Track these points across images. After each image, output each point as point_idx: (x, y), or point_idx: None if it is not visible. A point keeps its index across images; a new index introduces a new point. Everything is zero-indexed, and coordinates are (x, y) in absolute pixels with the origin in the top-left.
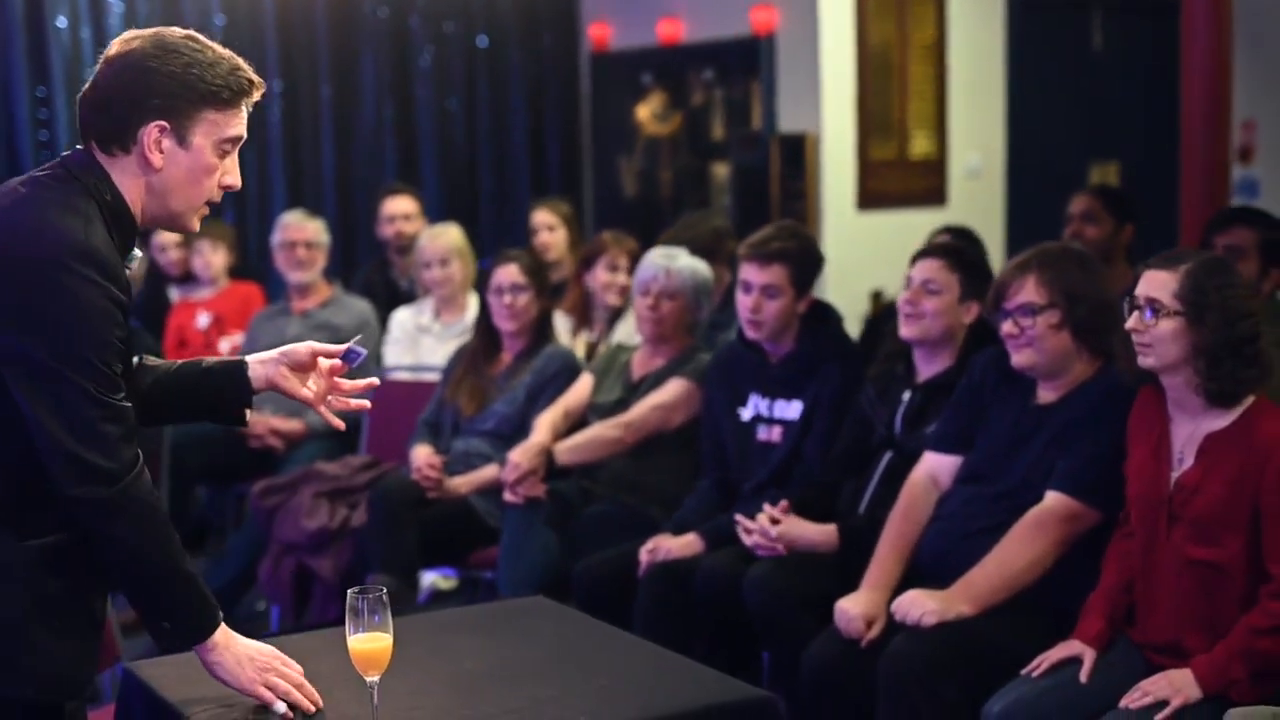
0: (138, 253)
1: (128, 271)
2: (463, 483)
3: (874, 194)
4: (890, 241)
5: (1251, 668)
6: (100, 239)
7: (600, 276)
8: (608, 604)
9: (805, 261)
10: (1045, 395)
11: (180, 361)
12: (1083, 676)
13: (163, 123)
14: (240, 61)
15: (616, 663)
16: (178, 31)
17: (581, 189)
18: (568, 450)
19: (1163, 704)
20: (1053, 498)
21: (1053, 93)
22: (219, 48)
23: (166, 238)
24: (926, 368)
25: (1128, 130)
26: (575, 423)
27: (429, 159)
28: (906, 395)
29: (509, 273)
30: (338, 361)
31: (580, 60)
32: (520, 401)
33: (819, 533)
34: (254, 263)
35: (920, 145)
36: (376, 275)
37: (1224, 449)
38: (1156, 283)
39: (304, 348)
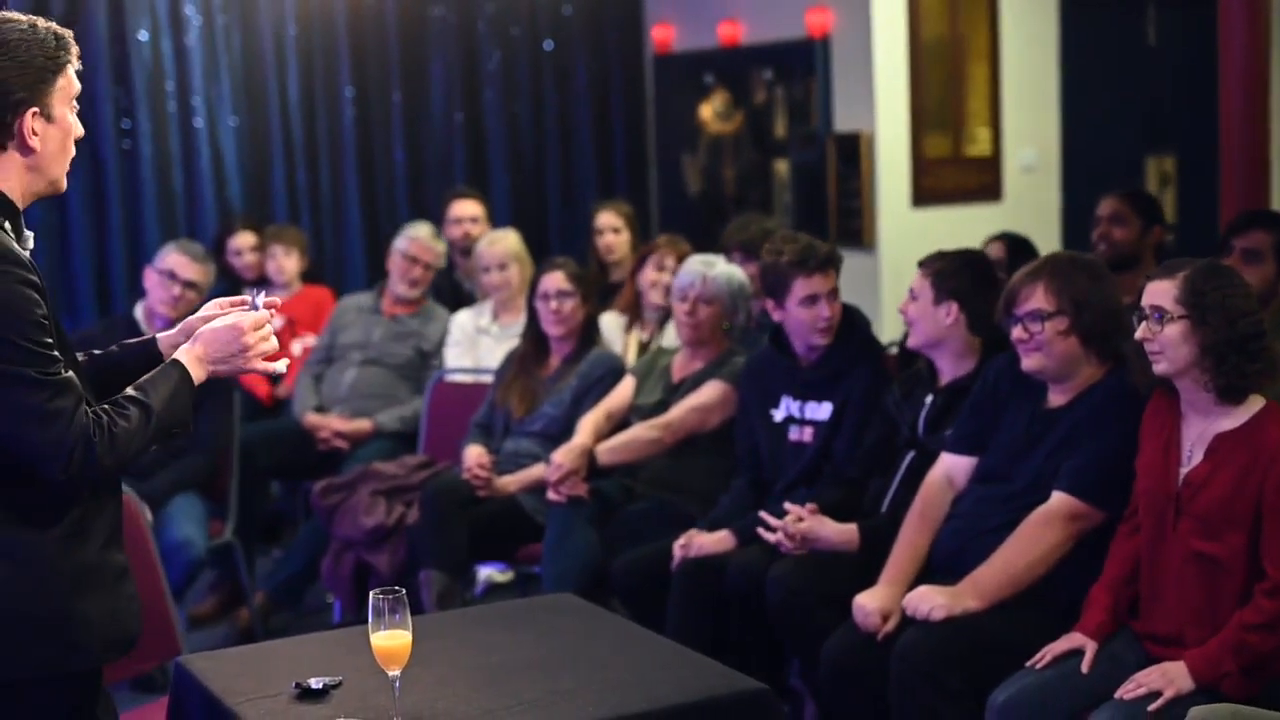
0: (29, 234)
1: (28, 253)
2: (511, 481)
3: (929, 191)
4: (945, 238)
5: (1242, 662)
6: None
7: (648, 275)
8: (644, 598)
9: (839, 267)
10: (1055, 398)
11: (99, 353)
12: (1084, 667)
13: (33, 109)
14: (43, 20)
15: (630, 657)
16: None
17: (647, 188)
18: (608, 451)
19: (1156, 695)
20: (1058, 498)
21: (1107, 87)
22: (32, 17)
23: (242, 242)
24: (947, 372)
25: (1184, 123)
26: (618, 424)
27: (497, 161)
28: (929, 398)
29: (555, 279)
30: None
31: (644, 62)
32: (567, 403)
33: (840, 532)
34: (328, 264)
35: (975, 141)
36: (442, 277)
37: (1233, 448)
38: (1159, 291)
39: (196, 318)
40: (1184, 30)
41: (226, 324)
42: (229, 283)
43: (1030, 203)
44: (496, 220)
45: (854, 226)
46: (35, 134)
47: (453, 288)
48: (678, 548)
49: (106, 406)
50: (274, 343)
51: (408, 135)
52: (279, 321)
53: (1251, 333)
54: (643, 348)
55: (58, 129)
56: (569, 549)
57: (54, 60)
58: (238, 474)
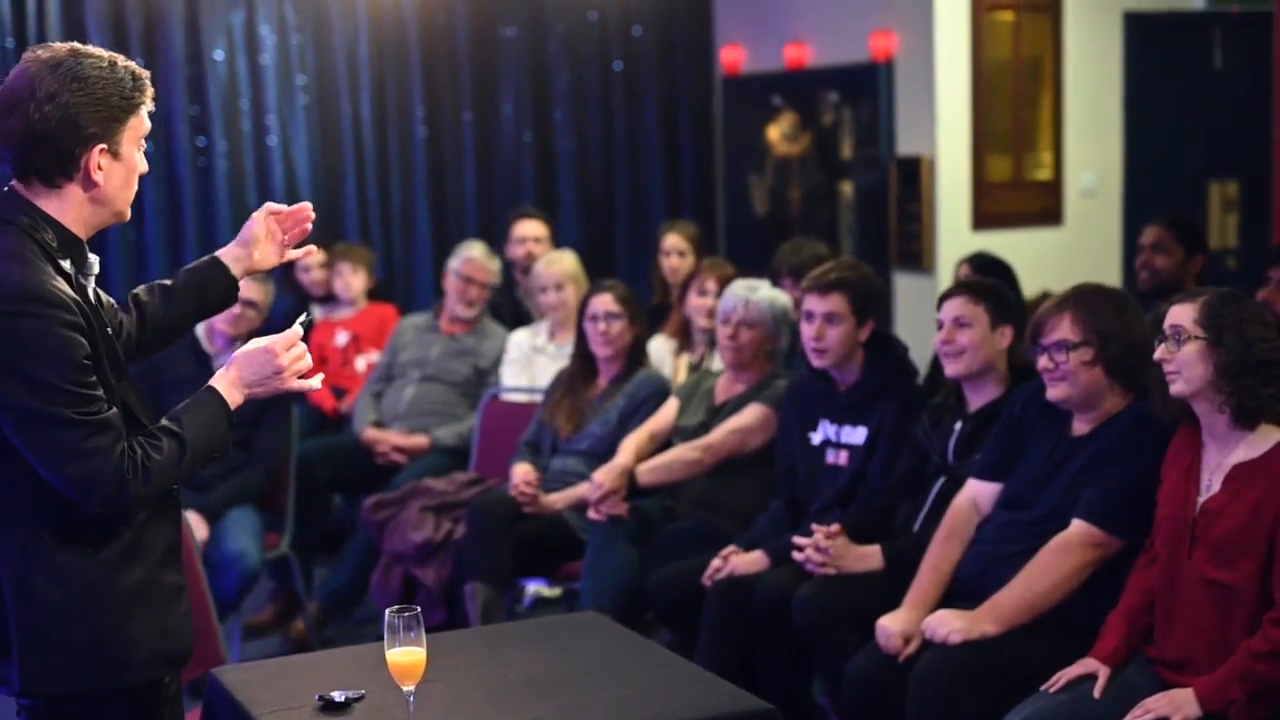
0: (94, 259)
1: (90, 282)
2: (557, 499)
3: (989, 214)
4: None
5: (1249, 690)
6: (39, 277)
7: (693, 299)
8: (680, 614)
9: (863, 290)
10: (1079, 427)
11: (159, 284)
12: (1096, 693)
13: (101, 145)
14: (123, 59)
15: (644, 675)
16: (68, 51)
17: (714, 209)
18: (649, 471)
19: None
20: (1077, 525)
21: (1171, 111)
22: (112, 55)
23: (311, 259)
24: (976, 399)
25: (1248, 148)
26: (661, 445)
27: (566, 181)
28: (958, 425)
29: (604, 301)
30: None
31: (713, 83)
32: (613, 424)
33: (863, 557)
34: (398, 282)
35: (1036, 165)
36: (503, 295)
37: (1250, 477)
38: (1180, 313)
39: (253, 222)
40: (1250, 55)
41: (261, 346)
42: (297, 297)
43: (1091, 227)
44: (564, 239)
45: (914, 249)
46: (100, 169)
47: (513, 306)
48: (714, 562)
49: (141, 439)
50: (308, 360)
51: (478, 155)
52: (344, 338)
53: (1268, 358)
54: (693, 370)
55: (123, 166)
56: (608, 566)
57: (128, 100)
58: (295, 488)
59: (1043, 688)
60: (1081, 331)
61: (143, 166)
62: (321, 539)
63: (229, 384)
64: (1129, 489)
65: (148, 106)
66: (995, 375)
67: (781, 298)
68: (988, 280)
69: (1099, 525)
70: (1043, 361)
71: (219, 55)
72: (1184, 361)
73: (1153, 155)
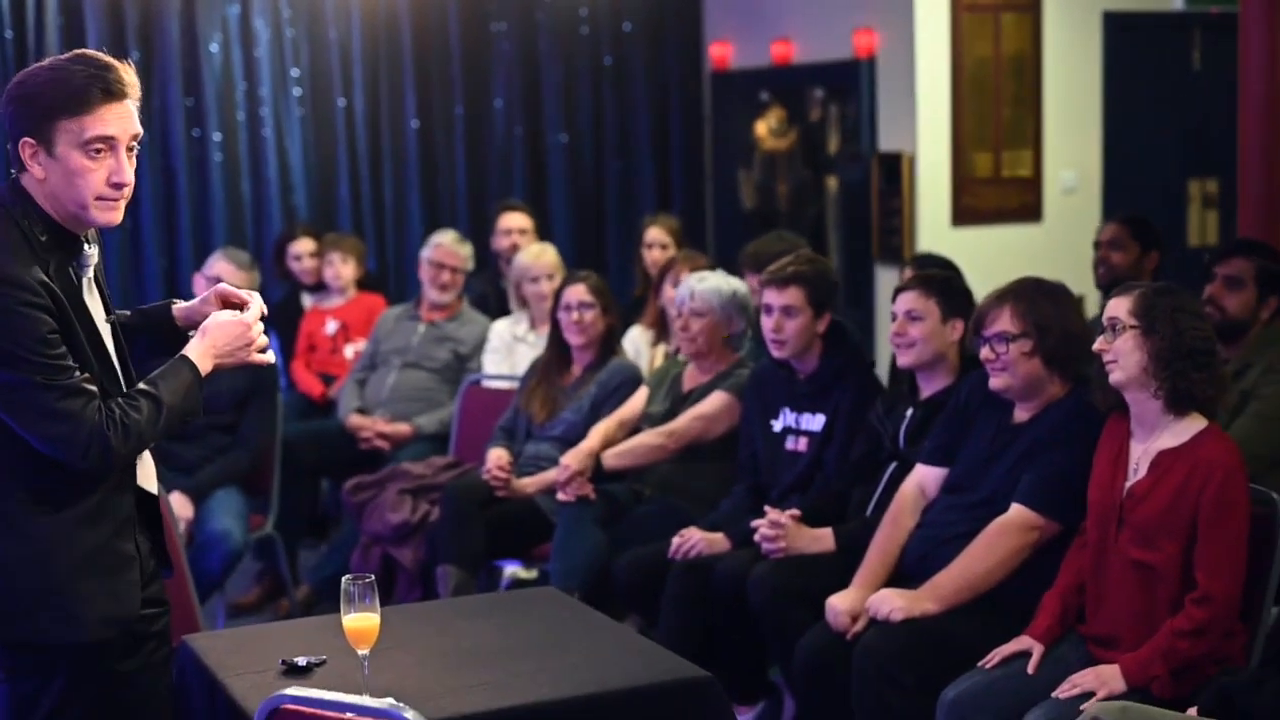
0: (91, 251)
1: (87, 271)
2: (529, 483)
3: (969, 210)
4: (985, 256)
5: (1171, 666)
6: (7, 258)
7: (668, 291)
8: (643, 595)
9: (820, 284)
10: (1020, 415)
11: (126, 313)
12: (1030, 668)
13: (26, 140)
14: (109, 72)
15: (591, 644)
16: (57, 57)
17: (703, 202)
18: (615, 455)
19: (1091, 695)
20: (1015, 509)
21: (1151, 110)
22: (93, 61)
23: (301, 248)
24: (927, 387)
25: (1228, 148)
26: (630, 431)
27: (557, 174)
28: (909, 412)
29: (577, 291)
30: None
31: (702, 78)
32: (586, 410)
33: (816, 539)
34: (387, 272)
35: (1015, 162)
36: (489, 286)
37: (1173, 464)
38: (1116, 306)
39: (211, 294)
40: (1229, 55)
41: (236, 319)
42: (289, 286)
43: (1070, 224)
44: (555, 232)
45: (895, 244)
46: (37, 164)
47: (499, 296)
48: (675, 540)
49: (120, 400)
50: (264, 338)
51: (469, 147)
52: (333, 326)
53: (1198, 347)
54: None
55: (59, 165)
56: (576, 547)
57: (62, 104)
58: (280, 471)
59: (979, 664)
60: (1021, 324)
61: (118, 176)
62: (308, 523)
63: (200, 353)
64: (1065, 475)
65: (102, 113)
66: (946, 365)
67: (731, 283)
68: (941, 274)
69: (1036, 509)
70: (985, 352)
71: (214, 47)
72: (1120, 351)
73: (1132, 153)
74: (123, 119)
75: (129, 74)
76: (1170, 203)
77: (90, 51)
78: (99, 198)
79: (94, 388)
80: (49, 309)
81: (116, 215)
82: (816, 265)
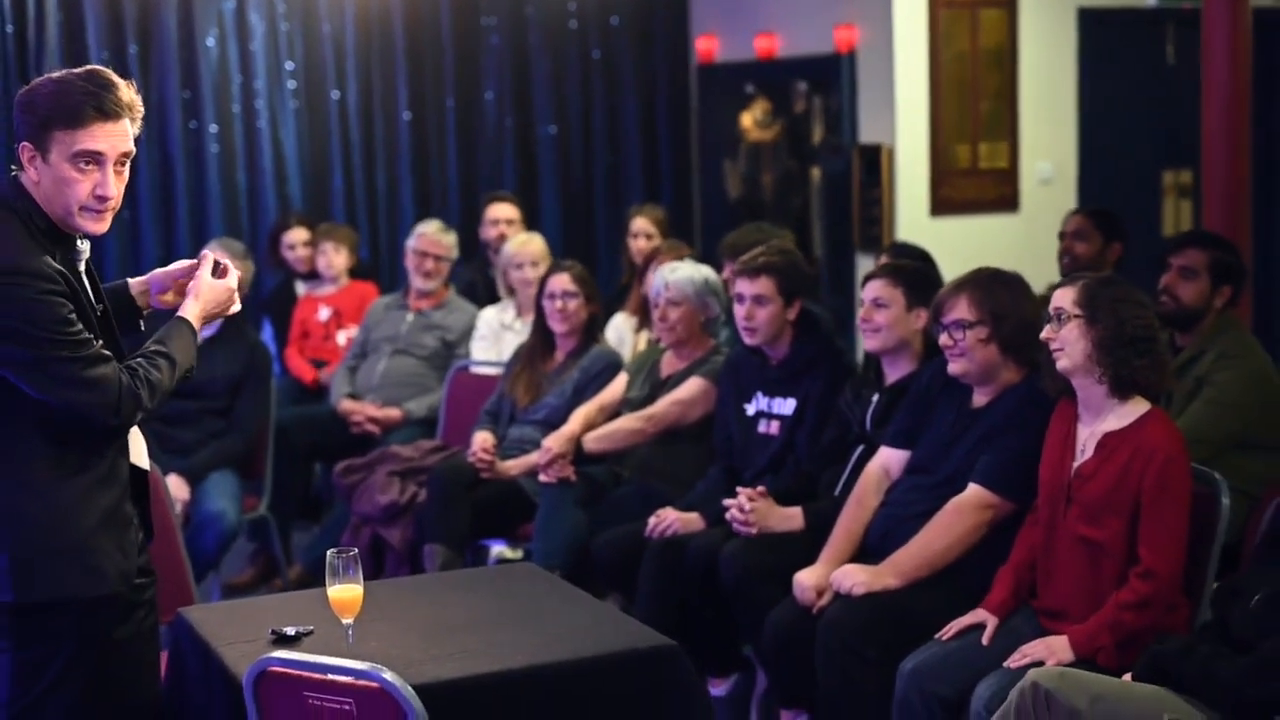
0: (83, 246)
1: (80, 264)
2: (513, 465)
3: (946, 201)
4: (962, 246)
5: (1117, 637)
6: (22, 252)
7: (650, 280)
8: (621, 573)
9: (790, 273)
10: (978, 399)
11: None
12: (984, 639)
13: (25, 144)
14: (108, 92)
15: (566, 616)
16: (68, 70)
17: (690, 193)
18: (594, 439)
19: (1040, 664)
20: (972, 489)
21: (1126, 103)
22: (96, 79)
23: (295, 237)
24: (892, 372)
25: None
26: (610, 415)
27: (546, 165)
28: (875, 397)
29: (562, 280)
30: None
31: (689, 71)
32: (568, 395)
33: (785, 517)
34: (380, 261)
35: (992, 154)
36: (478, 275)
37: (1118, 445)
38: (1061, 296)
39: (162, 272)
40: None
41: (223, 284)
42: (284, 274)
43: (1046, 214)
44: (544, 222)
45: (874, 233)
46: (34, 168)
47: (487, 285)
48: (652, 519)
49: (140, 360)
50: (236, 306)
51: (460, 139)
52: (326, 313)
53: (1139, 334)
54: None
55: (50, 171)
56: (557, 527)
57: (57, 117)
58: (273, 454)
59: (936, 636)
60: (977, 312)
61: (102, 189)
62: (301, 505)
63: (195, 315)
64: (1020, 456)
65: (94, 129)
66: (909, 352)
67: (702, 271)
68: (911, 264)
69: (992, 489)
70: (943, 339)
71: (210, 41)
72: (1065, 339)
73: (1107, 145)
74: (112, 137)
75: (129, 94)
76: (1145, 193)
77: (99, 69)
78: (83, 207)
79: (111, 356)
80: (65, 293)
81: (101, 225)
82: (787, 256)
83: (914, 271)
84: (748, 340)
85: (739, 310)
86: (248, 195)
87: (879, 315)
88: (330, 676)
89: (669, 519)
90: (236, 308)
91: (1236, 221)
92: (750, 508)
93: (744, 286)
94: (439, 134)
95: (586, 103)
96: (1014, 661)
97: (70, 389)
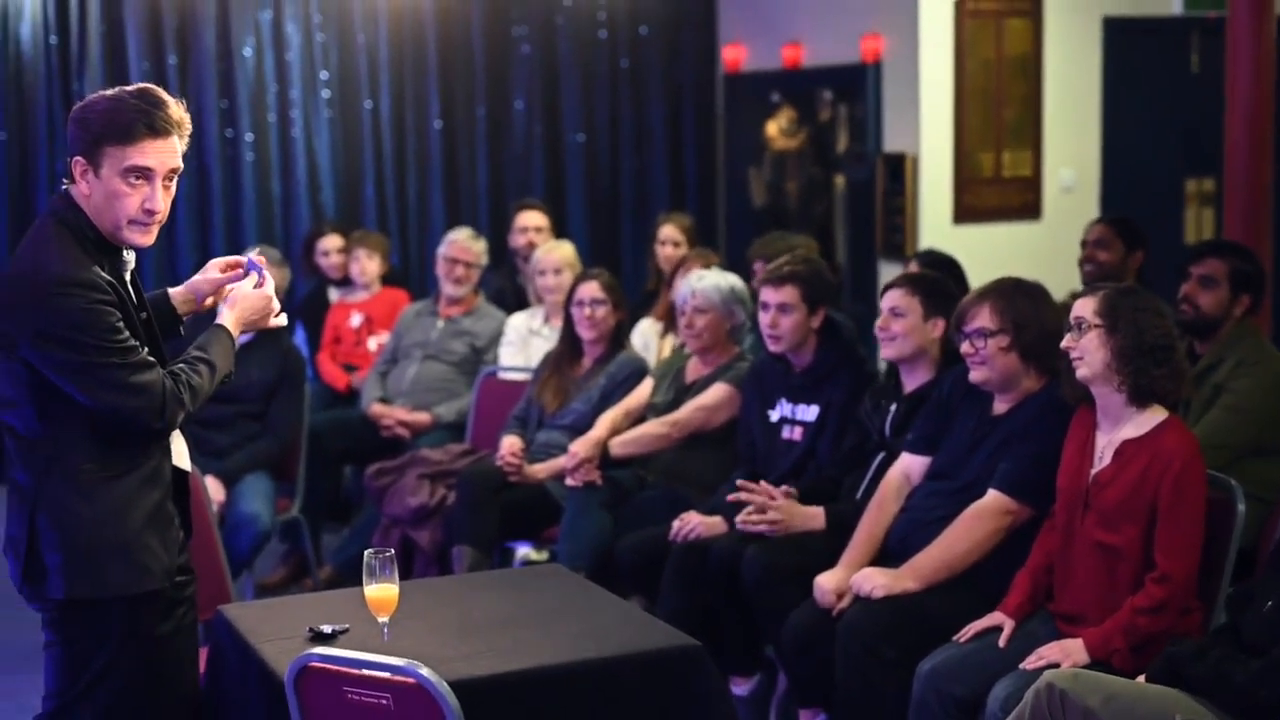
0: (129, 256)
1: (126, 268)
2: (541, 469)
3: (970, 209)
4: (985, 254)
5: (1131, 641)
6: (74, 263)
7: (679, 287)
8: (644, 575)
9: (814, 282)
10: (999, 406)
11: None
12: (1001, 642)
13: (78, 158)
14: (159, 110)
15: (592, 616)
16: (121, 89)
17: (715, 200)
18: (621, 444)
19: (1056, 666)
20: (992, 495)
21: (1149, 112)
22: (148, 97)
23: (329, 244)
24: (910, 381)
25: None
26: (635, 421)
27: (575, 173)
28: (894, 406)
29: (591, 288)
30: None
31: (716, 80)
32: (595, 401)
33: (810, 517)
34: (410, 268)
35: (1015, 162)
36: (507, 282)
37: (1135, 452)
38: (1082, 305)
39: (200, 279)
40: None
41: (261, 293)
42: (316, 281)
43: (1068, 222)
44: (572, 229)
45: (898, 241)
46: (85, 181)
47: (516, 291)
48: (676, 523)
49: (183, 365)
50: (283, 319)
51: (490, 148)
52: (358, 319)
53: (1159, 344)
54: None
55: (101, 185)
56: (583, 529)
57: (109, 133)
58: (306, 457)
59: (954, 638)
60: (999, 320)
61: (150, 203)
62: (331, 507)
63: (233, 321)
64: (1039, 463)
65: (144, 145)
66: (927, 360)
67: (729, 279)
68: (930, 274)
69: (1011, 495)
70: (965, 347)
71: (247, 52)
72: (1085, 348)
73: (1130, 153)
74: (161, 153)
75: (178, 112)
76: (1167, 201)
77: (151, 88)
78: (131, 221)
79: (155, 362)
80: (113, 303)
81: (148, 239)
82: (811, 265)
83: (932, 281)
84: (772, 347)
85: (764, 318)
86: (282, 203)
87: (896, 324)
88: (368, 672)
89: (692, 522)
90: (280, 321)
91: (1258, 229)
92: (776, 504)
93: (769, 295)
94: (469, 143)
95: (614, 111)
96: (1030, 663)
97: (118, 394)
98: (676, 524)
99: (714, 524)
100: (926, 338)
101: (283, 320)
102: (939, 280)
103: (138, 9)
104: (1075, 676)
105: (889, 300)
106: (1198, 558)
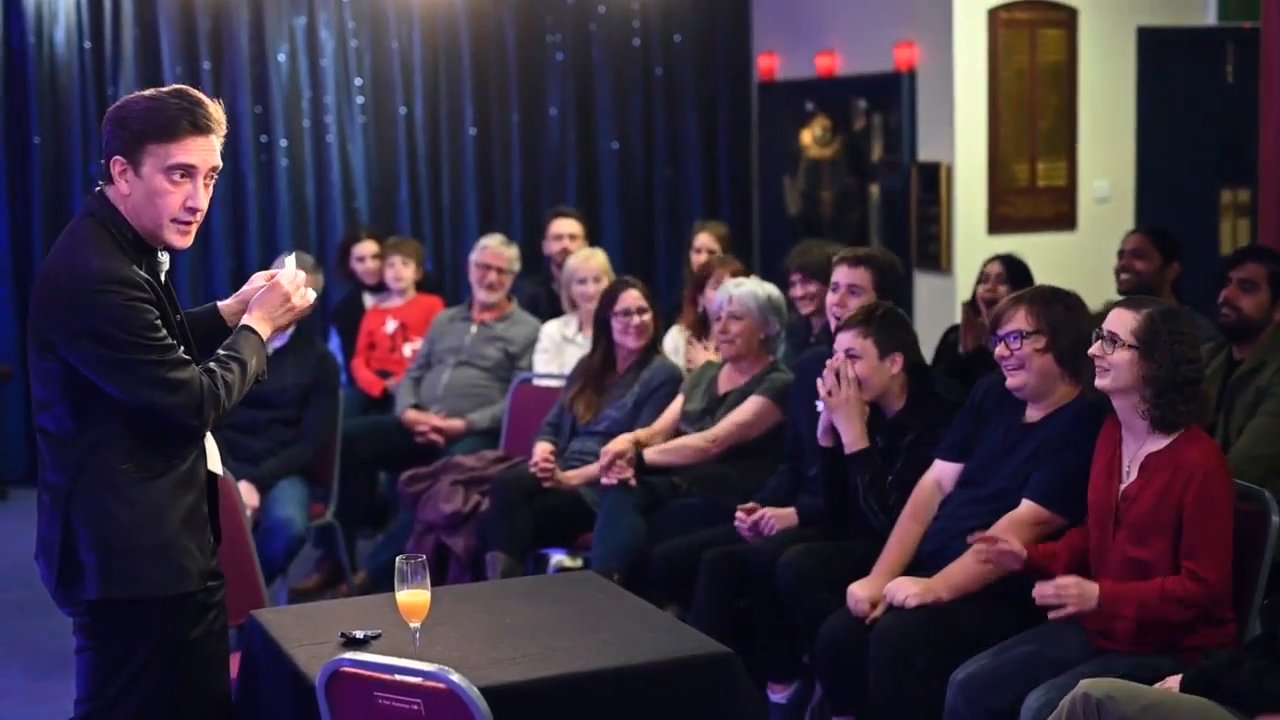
0: (163, 257)
1: (161, 269)
2: (574, 475)
3: (1004, 219)
4: None
5: (1142, 615)
6: (112, 261)
7: (709, 294)
8: (677, 583)
9: (888, 272)
10: (1032, 414)
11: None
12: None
13: (118, 158)
14: (199, 108)
15: (625, 623)
16: (158, 89)
17: (750, 209)
18: (659, 453)
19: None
20: (1025, 505)
21: (1184, 122)
22: (187, 96)
23: (364, 250)
24: (887, 410)
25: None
26: (669, 434)
27: (609, 180)
28: (878, 440)
29: (633, 297)
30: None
31: (750, 88)
32: (629, 409)
33: (784, 516)
34: (444, 274)
35: (1050, 172)
36: (541, 288)
37: (1159, 466)
38: (1120, 320)
39: (249, 289)
40: None
41: (271, 286)
42: (351, 286)
43: (1103, 232)
44: (606, 236)
45: (932, 251)
46: (125, 181)
47: (550, 298)
48: (742, 510)
49: (214, 365)
50: (310, 294)
51: (524, 154)
52: (393, 325)
53: (1190, 377)
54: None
55: (142, 184)
56: (616, 532)
57: (150, 131)
58: (340, 462)
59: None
60: (1035, 322)
61: (193, 201)
62: (366, 513)
63: (258, 320)
64: (1072, 473)
65: (187, 143)
66: (899, 389)
67: (765, 288)
68: (880, 309)
69: (1045, 505)
70: (999, 350)
71: (282, 57)
72: (1115, 364)
73: (1165, 163)
74: (204, 151)
75: (217, 111)
76: (1202, 212)
77: (186, 88)
78: (173, 219)
79: (191, 360)
80: (151, 300)
81: (186, 240)
82: (888, 257)
83: (881, 317)
84: (833, 327)
85: (832, 297)
86: (316, 208)
87: (855, 368)
88: (399, 677)
89: (764, 516)
90: (308, 300)
91: None
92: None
93: (842, 275)
94: (503, 149)
95: (648, 119)
96: (1040, 593)
97: (156, 390)
98: (743, 517)
99: (786, 515)
100: (886, 375)
101: (310, 296)
102: (889, 314)
103: (171, 13)
104: (1111, 685)
105: (843, 343)
106: (1229, 566)
